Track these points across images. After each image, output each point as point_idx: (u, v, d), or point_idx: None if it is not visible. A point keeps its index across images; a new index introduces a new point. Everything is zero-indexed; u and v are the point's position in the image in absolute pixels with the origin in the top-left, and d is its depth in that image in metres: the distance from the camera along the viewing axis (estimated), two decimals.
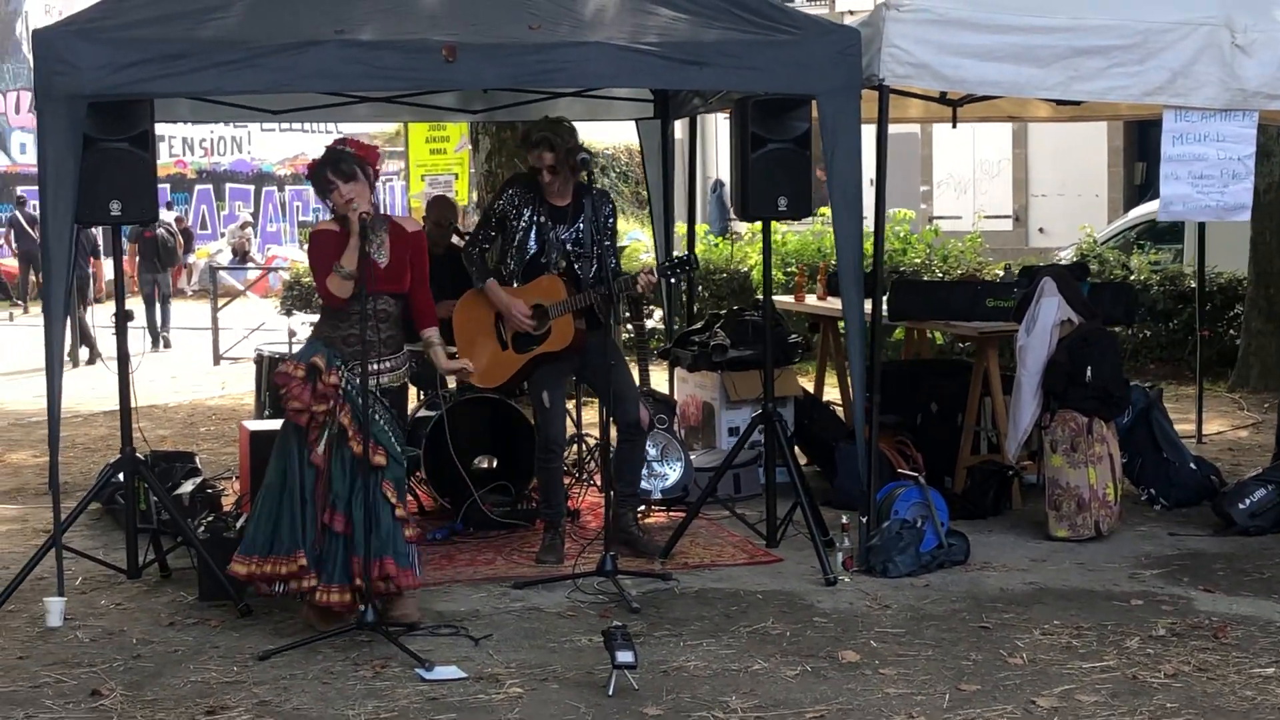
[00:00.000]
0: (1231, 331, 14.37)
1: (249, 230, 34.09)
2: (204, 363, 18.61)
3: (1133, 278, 14.74)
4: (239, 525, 7.34)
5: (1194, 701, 5.73)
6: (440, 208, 9.93)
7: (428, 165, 16.88)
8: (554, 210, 7.81)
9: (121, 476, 7.60)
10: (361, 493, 6.55)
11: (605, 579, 7.28)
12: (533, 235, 7.81)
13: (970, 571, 7.65)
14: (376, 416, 6.65)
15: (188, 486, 8.10)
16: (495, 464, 8.81)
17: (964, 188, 26.69)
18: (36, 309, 28.58)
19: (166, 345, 20.81)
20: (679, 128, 11.17)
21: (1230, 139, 8.05)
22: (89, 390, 14.80)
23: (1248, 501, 8.33)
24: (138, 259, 22.16)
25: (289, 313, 18.48)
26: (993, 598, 7.20)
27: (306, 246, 7.09)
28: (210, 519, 7.50)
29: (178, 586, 7.52)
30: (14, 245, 31.85)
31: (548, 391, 7.86)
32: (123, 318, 7.38)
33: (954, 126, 10.72)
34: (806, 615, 6.97)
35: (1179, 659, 6.23)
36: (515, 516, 8.66)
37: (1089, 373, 8.11)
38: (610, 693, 5.89)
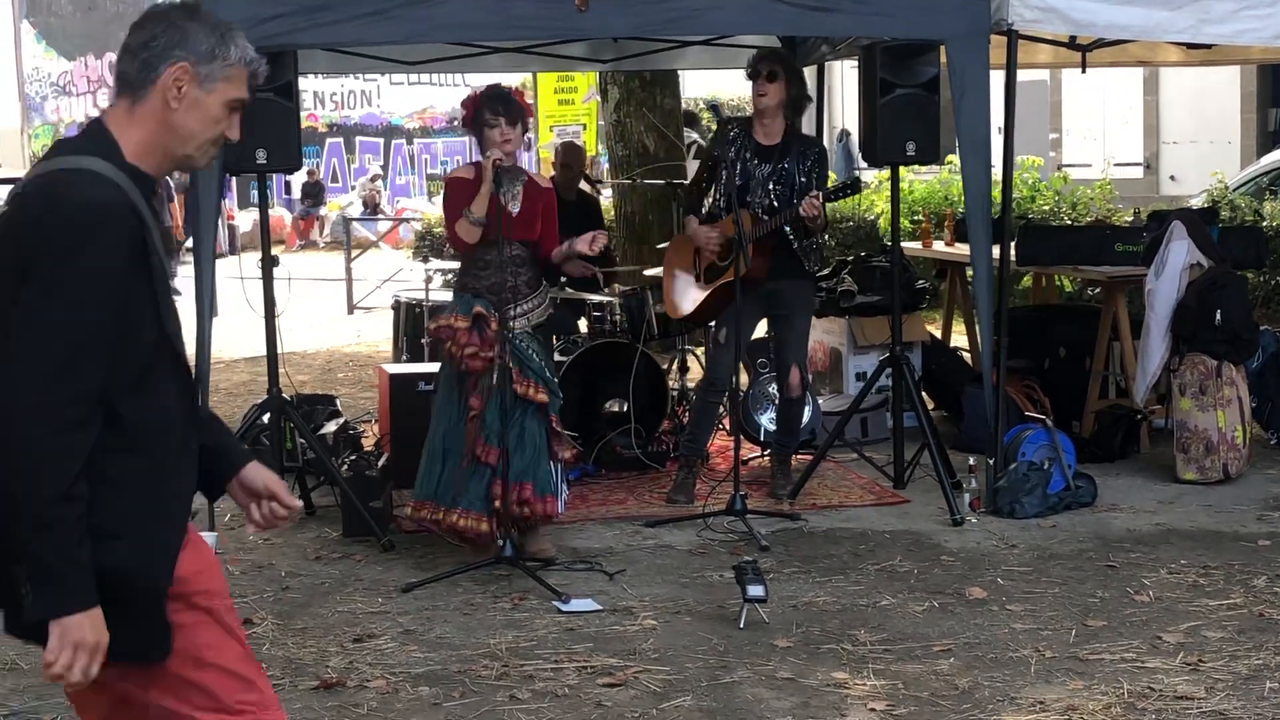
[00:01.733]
0: None
1: (379, 183, 34.51)
2: (338, 312, 18.97)
3: (1264, 224, 14.56)
4: (380, 464, 7.59)
5: None
6: (568, 152, 10.10)
7: (556, 116, 17.06)
8: (760, 148, 7.88)
9: (267, 418, 7.87)
10: (516, 428, 6.79)
11: (735, 518, 7.44)
12: (739, 170, 7.88)
13: (1097, 513, 7.72)
14: (534, 354, 6.87)
15: (331, 427, 8.36)
16: (625, 407, 8.98)
17: (1094, 135, 26.39)
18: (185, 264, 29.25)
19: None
20: (807, 76, 11.21)
21: None
22: (226, 337, 15.18)
23: None
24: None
25: (425, 259, 18.74)
26: (1119, 538, 7.27)
27: (441, 195, 7.28)
28: (353, 458, 7.74)
29: (321, 523, 7.79)
30: None
31: (725, 328, 7.98)
32: (269, 264, 7.61)
33: (1083, 72, 10.67)
34: (934, 554, 7.08)
35: None
36: (646, 458, 8.83)
37: (1218, 316, 8.12)
38: (741, 625, 6.06)
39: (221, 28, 3.05)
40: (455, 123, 39.66)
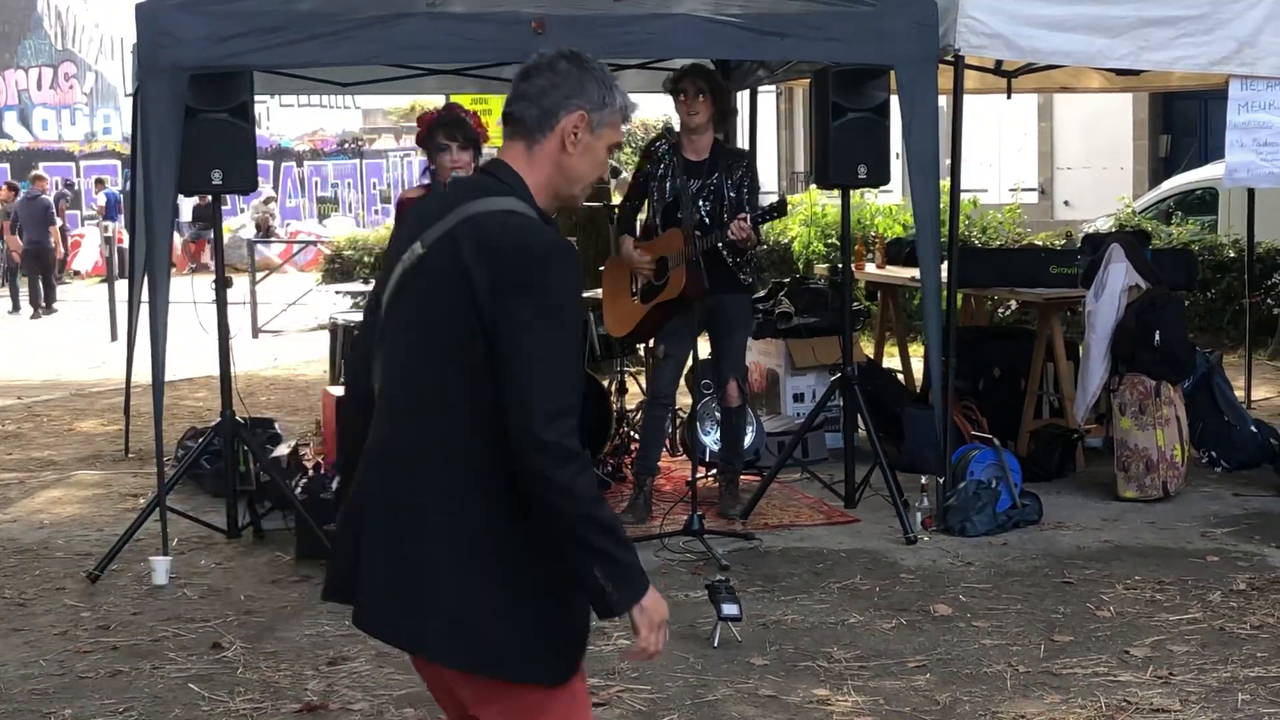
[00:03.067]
0: (1269, 300, 14.51)
1: (272, 205, 34.24)
2: (242, 335, 18.79)
3: (1163, 244, 14.88)
4: (334, 487, 7.53)
5: None
6: None
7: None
8: (689, 164, 7.91)
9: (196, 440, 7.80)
10: None
11: (692, 538, 7.48)
12: (668, 187, 7.93)
13: (1045, 530, 7.84)
14: None
15: (282, 450, 8.28)
16: None
17: (990, 160, 26.81)
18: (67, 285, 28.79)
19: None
20: (739, 101, 11.32)
21: None
22: (105, 362, 14.97)
23: None
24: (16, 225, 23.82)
25: (327, 286, 18.65)
26: (1071, 555, 7.39)
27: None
28: (305, 481, 7.68)
29: (273, 546, 7.72)
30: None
31: (665, 344, 8.04)
32: (222, 285, 7.55)
33: (1009, 97, 10.88)
34: (892, 572, 7.16)
35: (1262, 611, 6.42)
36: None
37: (1157, 336, 8.28)
38: (715, 644, 6.09)
39: (607, 77, 3.26)
40: (345, 145, 39.59)
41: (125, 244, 27.28)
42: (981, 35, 7.80)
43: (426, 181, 7.17)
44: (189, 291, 8.62)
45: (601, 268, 8.88)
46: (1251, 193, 11.43)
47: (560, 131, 3.19)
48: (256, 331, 19.00)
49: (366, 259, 17.95)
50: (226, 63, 7.12)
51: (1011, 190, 22.77)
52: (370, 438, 3.24)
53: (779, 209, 8.00)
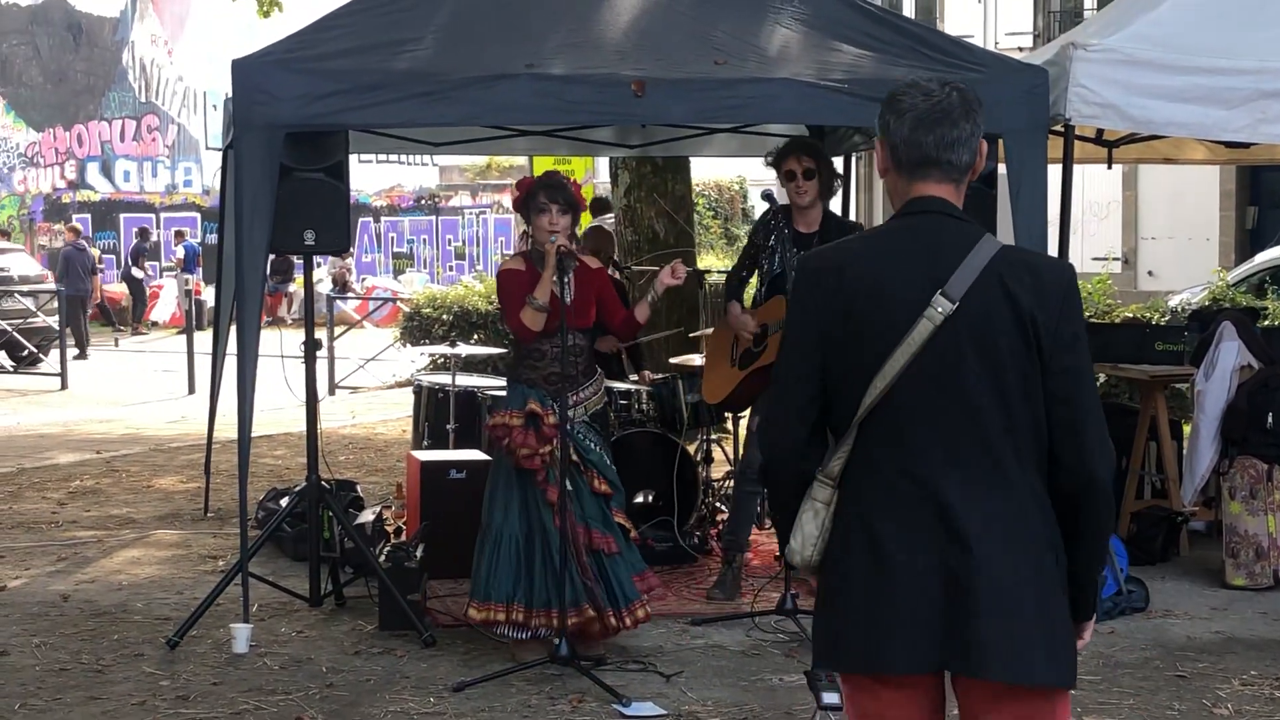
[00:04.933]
0: None
1: (349, 260, 34.31)
2: (319, 391, 18.73)
3: (1265, 323, 14.54)
4: (419, 555, 7.35)
5: None
6: (597, 238, 9.95)
7: None
8: (799, 236, 7.73)
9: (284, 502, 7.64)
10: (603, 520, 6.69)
11: (784, 617, 7.25)
12: (777, 259, 7.76)
13: (1152, 619, 7.55)
14: (593, 445, 6.73)
15: (367, 516, 8.12)
16: (651, 498, 8.79)
17: (1074, 228, 26.57)
18: (139, 336, 28.91)
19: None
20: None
21: None
22: (184, 416, 14.92)
23: None
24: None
25: (406, 344, 18.53)
26: (1181, 646, 7.10)
27: (496, 284, 7.12)
28: (390, 549, 7.50)
29: (354, 615, 7.54)
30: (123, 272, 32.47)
31: (760, 416, 7.85)
32: (312, 347, 7.41)
33: (1109, 168, 10.63)
34: None
35: None
36: (678, 551, 8.63)
37: (1270, 419, 8.01)
38: None
39: None
40: (422, 201, 39.71)
41: (203, 296, 27.63)
42: (1093, 105, 7.57)
43: (524, 248, 7.02)
44: (271, 347, 8.48)
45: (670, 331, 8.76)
46: None
47: (973, 171, 3.48)
48: (334, 388, 18.93)
49: (445, 317, 17.80)
50: (323, 121, 6.99)
51: (1099, 260, 22.43)
52: (911, 486, 3.31)
53: None
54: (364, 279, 35.43)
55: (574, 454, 6.67)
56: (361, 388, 18.64)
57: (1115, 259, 24.68)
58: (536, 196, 6.83)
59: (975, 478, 3.28)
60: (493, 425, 6.88)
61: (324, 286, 31.86)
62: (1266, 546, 8.02)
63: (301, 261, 7.78)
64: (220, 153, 9.44)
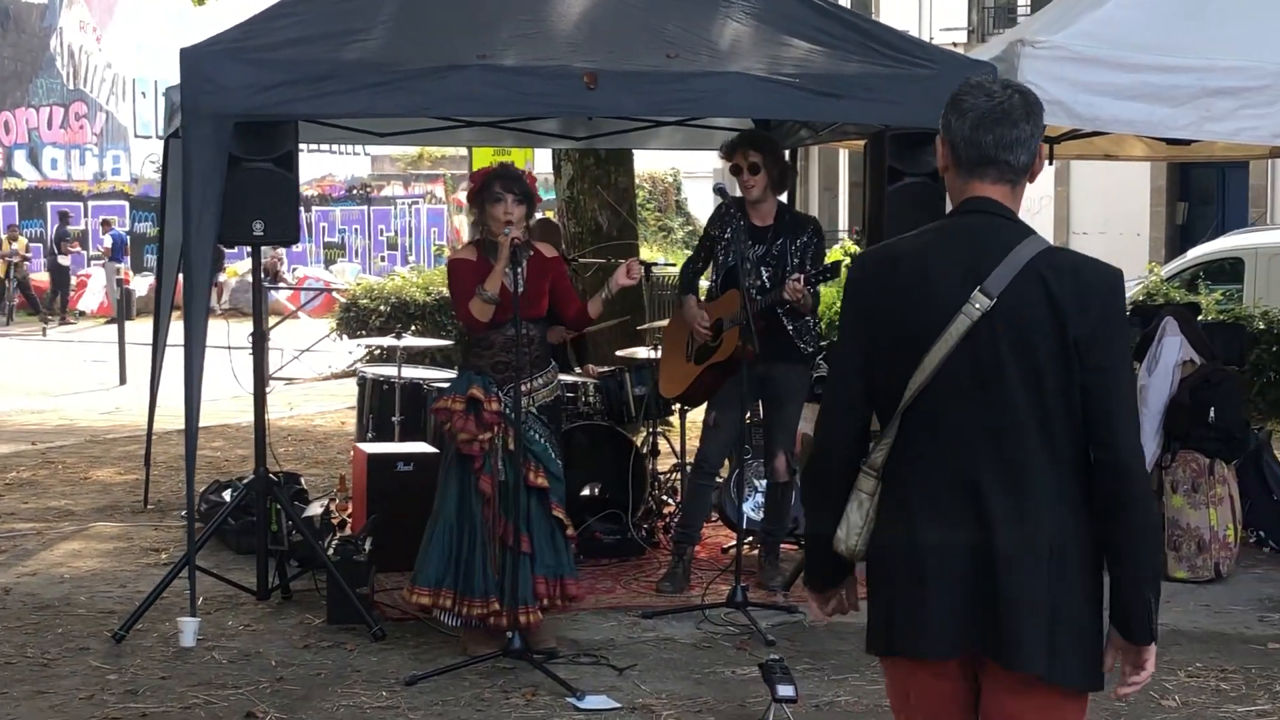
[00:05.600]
0: None
1: (280, 250, 34.03)
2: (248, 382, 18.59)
3: (1199, 317, 14.68)
4: (367, 548, 7.31)
5: None
6: (544, 230, 9.91)
7: None
8: (754, 230, 7.75)
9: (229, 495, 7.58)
10: (530, 513, 6.59)
11: (735, 610, 7.26)
12: (731, 251, 7.76)
13: None
14: (537, 436, 6.67)
15: (315, 509, 8.06)
16: (598, 491, 8.78)
17: None
18: (67, 325, 28.60)
19: None
20: None
21: None
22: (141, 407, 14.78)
23: None
24: None
25: (343, 336, 18.44)
26: None
27: (447, 274, 7.07)
28: (338, 542, 7.46)
29: (302, 608, 7.49)
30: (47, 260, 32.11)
31: (715, 412, 7.86)
32: (260, 337, 7.36)
33: (1050, 164, 10.69)
34: None
35: None
36: (627, 544, 8.62)
37: (1212, 414, 8.09)
38: None
39: None
40: (354, 191, 39.47)
41: (133, 286, 27.34)
42: (1043, 101, 7.59)
43: (477, 237, 6.98)
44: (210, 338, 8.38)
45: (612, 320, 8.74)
46: None
47: (1033, 172, 3.47)
48: (269, 379, 18.77)
49: (383, 308, 17.73)
50: (272, 111, 6.93)
51: None
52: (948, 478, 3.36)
53: (832, 271, 7.82)
54: (295, 269, 35.17)
55: (512, 443, 6.62)
56: (297, 379, 18.51)
57: None
58: (491, 186, 6.79)
59: (1008, 472, 3.34)
60: (435, 409, 6.86)
61: None
62: (1208, 540, 8.11)
63: (232, 251, 7.70)
64: (162, 141, 9.35)
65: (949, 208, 7.13)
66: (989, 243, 3.38)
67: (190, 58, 6.93)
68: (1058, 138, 10.25)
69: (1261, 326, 14.07)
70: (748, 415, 8.02)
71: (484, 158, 16.80)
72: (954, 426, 3.37)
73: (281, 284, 30.89)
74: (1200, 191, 25.20)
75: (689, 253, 8.98)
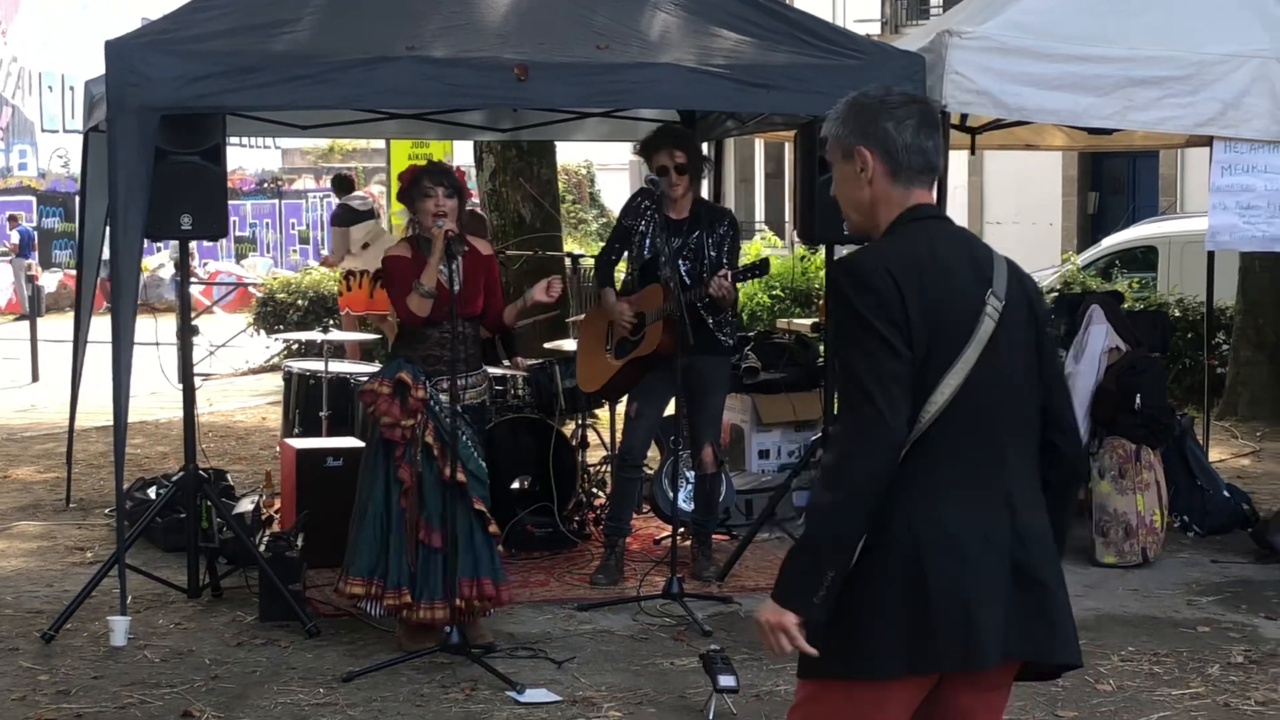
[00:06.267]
0: (1213, 360, 14.49)
1: (191, 244, 33.61)
2: (170, 378, 18.36)
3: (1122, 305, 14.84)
4: (299, 544, 7.25)
5: None
6: (470, 223, 9.85)
7: None
8: (670, 222, 7.73)
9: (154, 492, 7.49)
10: (451, 511, 6.52)
11: (670, 601, 7.26)
12: (648, 243, 7.76)
13: None
14: (461, 435, 6.61)
15: (246, 505, 7.97)
16: (529, 484, 8.74)
17: None
18: None
19: None
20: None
21: (1278, 170, 8.11)
22: (61, 404, 14.56)
23: None
24: None
25: (260, 331, 18.26)
26: None
27: (383, 270, 7.00)
28: (269, 539, 7.38)
29: (233, 606, 7.41)
30: None
31: (637, 403, 7.86)
32: (187, 331, 7.27)
33: (973, 154, 10.78)
34: None
35: (1265, 686, 6.29)
36: (558, 537, 8.60)
37: (1138, 400, 8.18)
38: (709, 717, 5.87)
39: None
40: (264, 184, 39.12)
41: (42, 282, 26.93)
42: (969, 92, 7.67)
43: (410, 234, 6.94)
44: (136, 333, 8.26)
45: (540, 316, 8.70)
46: (1211, 255, 11.39)
47: None
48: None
49: (300, 303, 17.58)
50: (199, 104, 6.84)
51: None
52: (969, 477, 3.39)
53: (761, 268, 7.84)
54: (206, 263, 34.77)
55: (431, 437, 6.57)
56: (213, 375, 18.28)
57: None
58: (420, 182, 6.76)
59: (1026, 471, 3.47)
60: (362, 391, 6.81)
61: (167, 271, 31.26)
62: (1135, 524, 8.19)
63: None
64: (71, 136, 9.23)
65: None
66: (975, 245, 3.48)
67: (116, 49, 6.82)
68: (980, 128, 10.34)
69: (1177, 314, 14.24)
70: (669, 409, 8.05)
71: (402, 150, 16.76)
72: (981, 427, 3.40)
73: (194, 278, 30.52)
74: (1111, 181, 25.48)
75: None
